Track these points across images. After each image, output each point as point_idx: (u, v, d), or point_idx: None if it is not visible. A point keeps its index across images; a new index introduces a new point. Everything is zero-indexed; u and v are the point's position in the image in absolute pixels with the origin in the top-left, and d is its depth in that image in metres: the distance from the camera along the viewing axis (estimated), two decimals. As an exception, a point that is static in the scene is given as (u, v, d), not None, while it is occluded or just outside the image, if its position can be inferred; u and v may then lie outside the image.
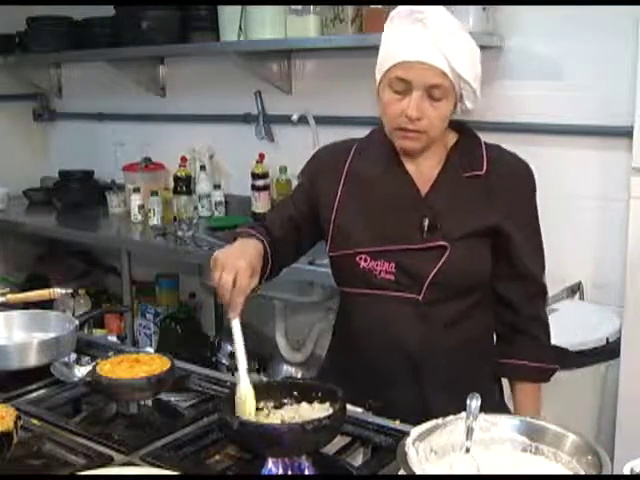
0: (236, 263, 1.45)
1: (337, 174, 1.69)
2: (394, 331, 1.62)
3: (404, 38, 1.53)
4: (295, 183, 3.40)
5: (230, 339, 3.49)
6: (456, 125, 1.68)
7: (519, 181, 1.67)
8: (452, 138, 1.67)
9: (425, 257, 1.59)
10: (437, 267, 1.58)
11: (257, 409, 1.40)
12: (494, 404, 1.69)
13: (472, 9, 2.72)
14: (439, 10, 1.54)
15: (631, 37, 2.44)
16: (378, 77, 1.59)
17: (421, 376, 1.64)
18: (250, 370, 1.43)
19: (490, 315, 1.71)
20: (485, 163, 1.63)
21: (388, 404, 1.60)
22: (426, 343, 1.62)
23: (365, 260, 1.62)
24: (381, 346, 1.64)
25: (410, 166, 1.65)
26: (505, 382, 1.78)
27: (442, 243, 1.59)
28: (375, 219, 1.64)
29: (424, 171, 1.64)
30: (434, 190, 1.62)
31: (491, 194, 1.62)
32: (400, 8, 1.56)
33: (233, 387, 1.42)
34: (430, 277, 1.59)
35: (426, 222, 1.60)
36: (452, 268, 1.59)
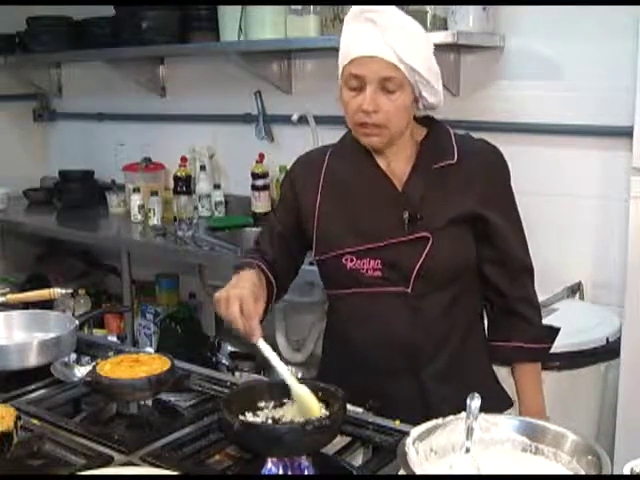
0: (237, 293, 1.48)
1: (314, 181, 1.72)
2: (386, 326, 1.65)
3: (355, 37, 1.58)
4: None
5: (230, 339, 3.50)
6: (425, 121, 1.72)
7: (491, 165, 1.69)
8: (421, 133, 1.70)
9: (409, 249, 1.62)
10: (422, 258, 1.61)
11: (257, 409, 1.40)
12: (492, 387, 1.73)
13: (472, 9, 2.72)
14: (389, 9, 1.58)
15: (631, 37, 2.44)
16: (339, 79, 1.64)
17: (417, 367, 1.66)
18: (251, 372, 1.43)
19: (478, 299, 1.74)
20: (456, 152, 1.66)
21: (388, 399, 1.61)
22: (419, 334, 1.64)
23: (351, 260, 1.65)
24: (375, 342, 1.66)
25: (383, 164, 1.68)
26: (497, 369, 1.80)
27: (424, 234, 1.61)
28: (356, 219, 1.66)
29: (397, 167, 1.67)
30: (409, 184, 1.65)
31: (465, 181, 1.65)
32: (353, 9, 1.60)
33: (233, 387, 1.42)
34: (416, 268, 1.61)
35: (406, 215, 1.62)
36: (437, 257, 1.61)
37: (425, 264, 1.61)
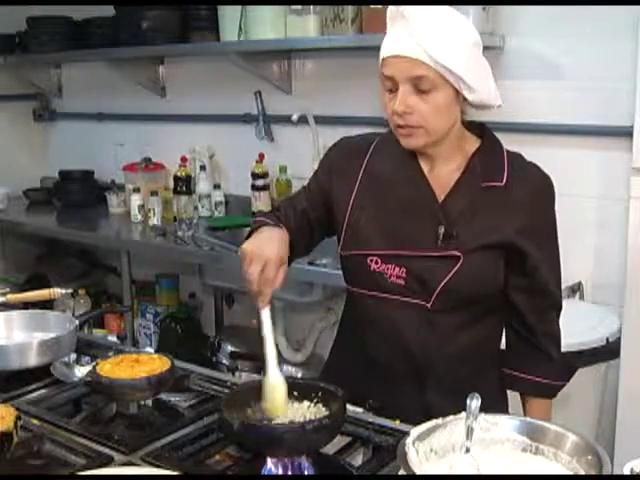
0: (264, 254, 1.44)
1: (354, 172, 1.66)
2: (400, 335, 1.61)
3: (389, 35, 1.53)
4: (295, 183, 3.43)
5: (230, 339, 3.49)
6: (478, 130, 1.65)
7: (539, 195, 1.61)
8: (473, 144, 1.63)
9: (437, 265, 1.57)
10: (449, 276, 1.56)
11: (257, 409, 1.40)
12: (500, 411, 1.69)
13: (472, 9, 2.72)
14: (426, 6, 1.51)
15: (631, 37, 2.44)
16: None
17: (424, 381, 1.62)
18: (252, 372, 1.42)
19: (497, 324, 1.70)
20: (506, 174, 1.59)
21: (390, 405, 1.59)
22: (431, 349, 1.60)
23: (376, 262, 1.60)
24: (386, 349, 1.63)
25: (427, 169, 1.62)
26: (511, 395, 1.78)
27: (456, 253, 1.56)
28: (389, 222, 1.61)
29: (442, 176, 1.61)
30: (451, 197, 1.59)
31: (509, 207, 1.58)
32: (391, 7, 1.54)
33: (233, 387, 1.42)
34: (441, 286, 1.56)
35: (441, 230, 1.56)
36: (463, 278, 1.56)
37: (450, 283, 1.56)
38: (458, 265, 1.55)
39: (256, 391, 1.40)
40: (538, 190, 1.62)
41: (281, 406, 1.38)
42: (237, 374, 3.20)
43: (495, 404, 1.62)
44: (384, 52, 1.52)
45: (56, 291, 2.04)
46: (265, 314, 1.42)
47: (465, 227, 1.57)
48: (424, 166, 1.62)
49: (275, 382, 1.38)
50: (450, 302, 1.58)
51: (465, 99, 1.54)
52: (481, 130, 1.66)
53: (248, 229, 1.67)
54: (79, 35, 4.02)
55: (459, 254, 1.56)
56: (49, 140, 4.72)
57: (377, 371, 1.65)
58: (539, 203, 1.61)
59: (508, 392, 1.76)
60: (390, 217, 1.61)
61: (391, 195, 1.62)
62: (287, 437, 1.26)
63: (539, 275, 1.62)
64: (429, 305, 1.58)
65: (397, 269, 1.58)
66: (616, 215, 2.67)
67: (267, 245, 1.48)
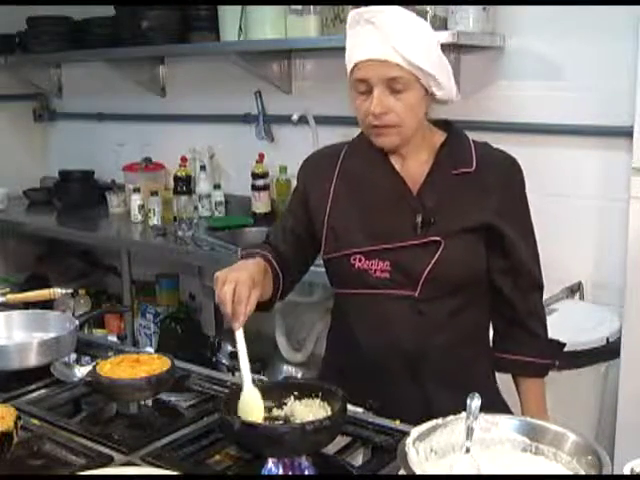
0: (235, 275, 1.46)
1: (328, 177, 1.71)
2: (391, 329, 1.63)
3: (356, 41, 1.57)
4: (295, 183, 3.42)
5: (230, 339, 3.49)
6: (443, 125, 1.71)
7: (509, 177, 1.68)
8: (440, 137, 1.69)
9: (420, 253, 1.60)
10: (432, 262, 1.59)
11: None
12: (493, 398, 1.71)
13: (472, 9, 2.72)
14: (388, 7, 1.56)
15: (631, 37, 2.44)
16: (348, 82, 1.63)
17: (420, 372, 1.64)
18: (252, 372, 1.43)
19: (485, 309, 1.73)
20: (474, 160, 1.65)
21: (389, 401, 1.60)
22: (423, 339, 1.63)
23: (360, 260, 1.63)
24: (379, 344, 1.65)
25: (399, 166, 1.66)
26: (501, 376, 1.79)
27: (436, 238, 1.60)
28: (368, 219, 1.65)
29: (413, 170, 1.66)
30: (425, 188, 1.64)
31: (482, 190, 1.63)
32: (351, 13, 1.59)
33: (233, 387, 1.42)
34: (425, 273, 1.60)
35: (419, 218, 1.61)
36: (447, 263, 1.60)
37: (435, 269, 1.59)
38: (440, 250, 1.59)
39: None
40: (507, 173, 1.68)
41: (258, 413, 1.37)
42: (237, 374, 3.20)
43: (488, 391, 1.65)
44: (357, 57, 1.56)
45: (56, 291, 2.04)
46: (239, 335, 1.43)
47: (442, 213, 1.62)
48: (395, 163, 1.67)
49: (250, 399, 1.38)
50: (437, 289, 1.61)
51: (432, 96, 1.61)
52: (446, 125, 1.71)
53: (248, 230, 1.70)
54: (79, 35, 4.02)
55: (439, 239, 1.60)
56: (49, 140, 4.72)
57: (373, 368, 1.67)
58: (509, 185, 1.67)
59: (501, 390, 1.77)
60: (368, 215, 1.65)
61: (366, 194, 1.67)
62: (287, 437, 1.26)
63: (517, 255, 1.66)
64: (416, 294, 1.61)
65: (381, 263, 1.62)
66: (616, 215, 2.67)
67: (239, 269, 1.50)
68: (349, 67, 1.59)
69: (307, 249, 1.75)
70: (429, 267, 1.59)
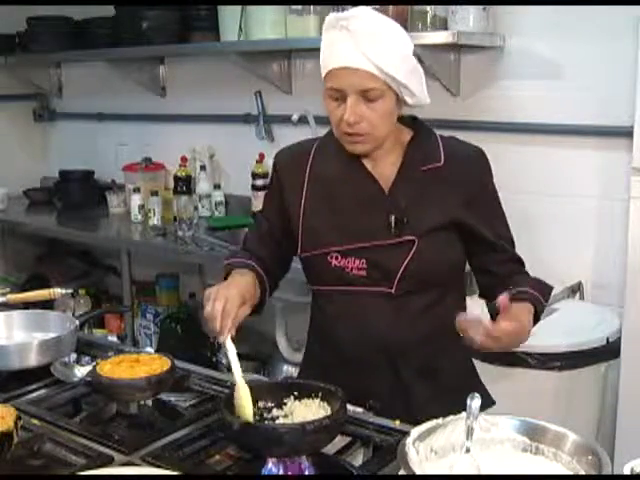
0: (224, 292, 1.49)
1: (300, 177, 1.72)
2: (369, 324, 1.66)
3: (331, 47, 1.58)
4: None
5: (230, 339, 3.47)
6: (410, 122, 1.72)
7: (475, 168, 1.70)
8: (407, 135, 1.70)
9: (395, 252, 1.63)
10: (407, 260, 1.62)
11: (258, 409, 1.40)
12: (474, 386, 1.69)
13: (472, 9, 2.72)
14: (363, 13, 1.56)
15: (631, 37, 2.44)
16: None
17: (398, 364, 1.67)
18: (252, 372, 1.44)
19: (461, 299, 1.76)
20: (442, 155, 1.67)
21: (370, 396, 1.63)
22: (401, 333, 1.65)
23: (336, 258, 1.66)
24: (357, 340, 1.67)
25: (370, 166, 1.68)
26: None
27: (410, 238, 1.63)
28: (342, 219, 1.67)
29: (384, 169, 1.68)
30: (396, 187, 1.66)
31: (450, 184, 1.65)
32: (328, 18, 1.59)
33: (233, 387, 1.42)
34: (401, 271, 1.62)
35: (392, 218, 1.63)
36: (422, 260, 1.62)
37: (410, 266, 1.62)
38: (414, 249, 1.62)
39: (256, 391, 1.40)
40: (473, 162, 1.70)
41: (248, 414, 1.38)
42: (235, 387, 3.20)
43: (467, 381, 1.72)
44: (331, 64, 1.57)
45: (56, 291, 2.04)
46: (228, 344, 1.46)
47: (414, 212, 1.64)
48: (366, 163, 1.68)
49: (242, 402, 1.39)
50: (412, 285, 1.64)
51: (404, 102, 1.61)
52: (413, 122, 1.73)
53: (246, 230, 1.71)
54: (79, 35, 4.02)
55: (413, 238, 1.62)
56: (49, 140, 4.72)
57: (352, 362, 1.69)
58: (476, 176, 1.69)
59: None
60: (342, 214, 1.67)
61: (340, 194, 1.68)
62: (287, 437, 1.26)
63: (491, 240, 1.69)
64: (393, 291, 1.64)
65: (357, 261, 1.64)
66: (616, 215, 2.67)
67: (229, 286, 1.54)
68: (323, 73, 1.60)
69: (285, 250, 1.76)
70: (404, 264, 1.62)
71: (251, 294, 1.57)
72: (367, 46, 1.52)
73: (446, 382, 1.66)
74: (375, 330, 1.66)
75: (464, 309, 1.76)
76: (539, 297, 1.64)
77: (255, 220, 1.88)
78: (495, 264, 1.72)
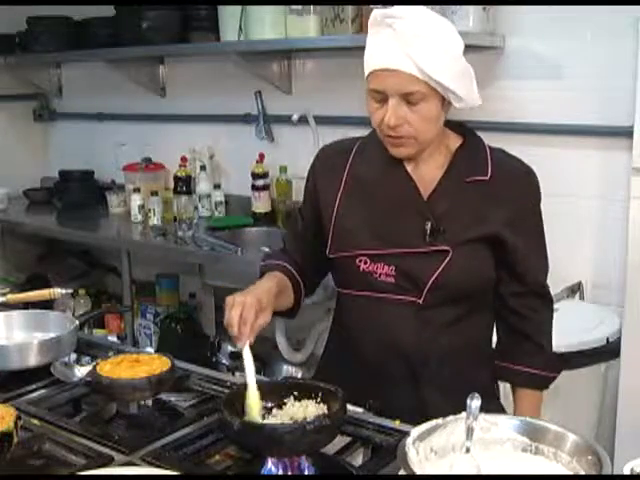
0: (241, 299, 1.48)
1: (338, 175, 1.68)
2: (393, 333, 1.62)
3: (376, 46, 1.53)
4: (295, 183, 3.43)
5: (230, 339, 3.48)
6: (459, 128, 1.67)
7: (524, 188, 1.65)
8: (455, 141, 1.65)
9: (426, 261, 1.58)
10: (438, 271, 1.57)
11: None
12: (492, 407, 1.69)
13: (472, 9, 2.72)
14: (410, 12, 1.51)
15: (631, 37, 2.44)
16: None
17: (419, 378, 1.63)
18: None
19: (489, 318, 1.71)
20: (490, 168, 1.61)
21: (386, 404, 1.60)
22: (424, 345, 1.61)
23: (365, 262, 1.62)
24: (379, 348, 1.64)
25: (411, 169, 1.63)
26: (503, 386, 1.78)
27: (444, 247, 1.57)
28: (376, 221, 1.63)
29: (426, 174, 1.63)
30: (436, 194, 1.61)
31: (495, 200, 1.60)
32: (375, 13, 1.53)
33: (233, 387, 1.42)
34: (431, 281, 1.58)
35: (428, 226, 1.58)
36: (453, 272, 1.57)
37: (441, 278, 1.57)
38: (447, 259, 1.57)
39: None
40: (522, 183, 1.65)
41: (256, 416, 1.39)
42: (237, 374, 3.20)
43: (488, 400, 1.63)
44: (373, 64, 1.53)
45: (56, 291, 2.04)
46: (246, 351, 1.45)
47: (452, 222, 1.59)
48: (408, 165, 1.64)
49: (251, 403, 1.39)
50: (441, 297, 1.59)
51: (451, 104, 1.57)
52: (462, 128, 1.68)
53: (248, 230, 1.71)
54: (79, 35, 4.02)
55: (448, 248, 1.57)
56: (49, 140, 4.72)
57: (372, 371, 1.66)
58: (522, 196, 1.64)
59: (503, 393, 1.77)
60: (377, 217, 1.63)
61: (376, 195, 1.64)
62: (287, 437, 1.26)
63: (526, 267, 1.65)
64: (421, 301, 1.59)
65: (386, 267, 1.60)
66: (616, 215, 2.67)
67: (247, 293, 1.52)
68: (366, 72, 1.55)
69: (319, 252, 1.71)
70: (435, 275, 1.57)
71: (269, 298, 1.54)
72: (411, 48, 1.47)
73: (466, 399, 1.60)
74: (398, 340, 1.61)
75: (491, 328, 1.73)
76: (549, 379, 1.68)
77: (292, 218, 1.86)
78: (523, 304, 1.67)
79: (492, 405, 1.67)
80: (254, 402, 1.39)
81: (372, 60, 1.53)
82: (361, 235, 1.63)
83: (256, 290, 1.54)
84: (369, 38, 1.56)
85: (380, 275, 1.61)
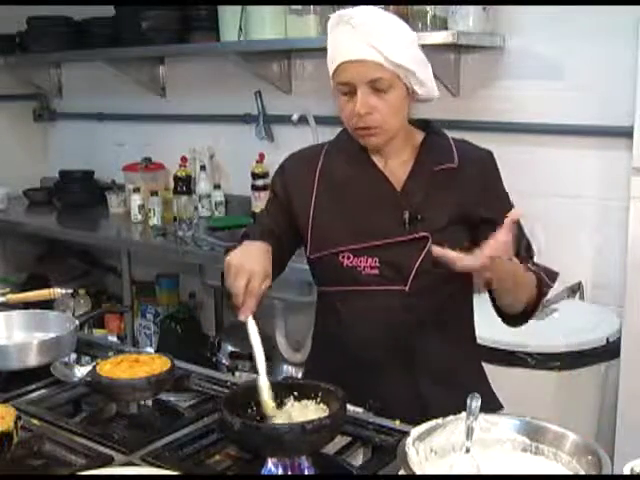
0: (249, 268, 1.45)
1: (309, 179, 1.72)
2: (382, 324, 1.64)
3: (338, 42, 1.60)
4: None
5: (230, 339, 3.49)
6: (422, 124, 1.73)
7: (487, 169, 1.72)
8: (419, 136, 1.71)
9: (408, 249, 1.62)
10: (421, 257, 1.61)
11: (256, 409, 1.40)
12: (483, 390, 1.68)
13: (472, 9, 2.72)
14: (365, 10, 1.59)
15: (631, 37, 2.44)
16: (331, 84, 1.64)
17: (413, 366, 1.66)
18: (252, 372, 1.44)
19: (471, 303, 1.75)
20: (456, 157, 1.67)
21: (383, 398, 1.61)
22: (414, 332, 1.64)
23: (348, 258, 1.65)
24: (370, 340, 1.66)
25: (381, 165, 1.68)
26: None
27: (424, 234, 1.62)
28: (353, 217, 1.66)
29: (395, 170, 1.68)
30: (409, 184, 1.66)
31: (463, 184, 1.66)
32: (332, 16, 1.62)
33: (234, 387, 1.42)
34: (415, 268, 1.62)
35: (406, 215, 1.63)
36: (435, 257, 1.59)
37: (424, 263, 1.61)
38: (428, 245, 1.60)
39: (256, 391, 1.40)
40: (486, 165, 1.72)
41: (268, 406, 1.39)
42: (237, 374, 3.20)
43: (479, 384, 1.71)
44: (340, 58, 1.58)
45: (56, 291, 2.04)
46: (251, 324, 1.44)
47: (427, 209, 1.64)
48: (377, 162, 1.69)
49: (262, 385, 1.40)
50: (426, 282, 1.63)
51: (414, 94, 1.62)
52: (425, 124, 1.74)
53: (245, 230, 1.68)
54: (79, 35, 4.02)
55: (427, 234, 1.62)
56: (49, 140, 4.72)
57: (365, 365, 1.67)
58: (487, 175, 1.71)
59: (501, 390, 1.77)
60: (354, 213, 1.67)
61: (351, 193, 1.68)
62: (287, 437, 1.26)
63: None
64: (407, 289, 1.62)
65: (370, 260, 1.64)
66: (616, 215, 2.67)
67: (251, 258, 1.49)
68: (331, 70, 1.62)
69: (285, 252, 1.74)
70: (418, 262, 1.61)
71: (271, 270, 1.52)
72: (372, 38, 1.54)
73: (458, 384, 1.61)
74: (388, 330, 1.64)
75: (472, 317, 1.76)
76: (543, 277, 1.66)
77: (258, 219, 1.86)
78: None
79: (483, 389, 1.65)
80: (265, 395, 1.38)
81: (337, 55, 1.59)
82: (341, 232, 1.66)
83: (259, 256, 1.51)
84: (330, 39, 1.62)
85: (365, 268, 1.64)
